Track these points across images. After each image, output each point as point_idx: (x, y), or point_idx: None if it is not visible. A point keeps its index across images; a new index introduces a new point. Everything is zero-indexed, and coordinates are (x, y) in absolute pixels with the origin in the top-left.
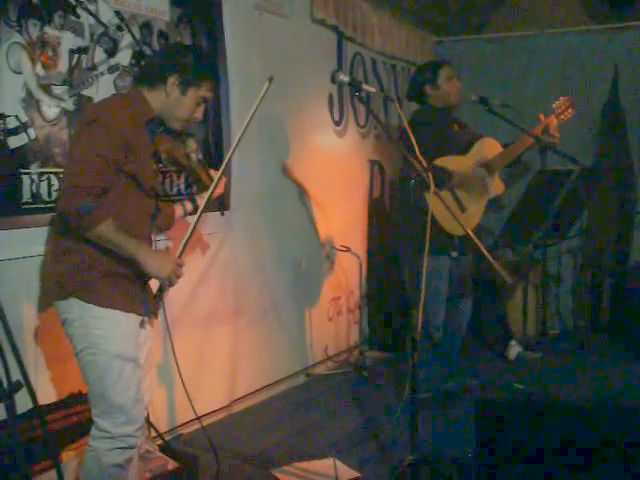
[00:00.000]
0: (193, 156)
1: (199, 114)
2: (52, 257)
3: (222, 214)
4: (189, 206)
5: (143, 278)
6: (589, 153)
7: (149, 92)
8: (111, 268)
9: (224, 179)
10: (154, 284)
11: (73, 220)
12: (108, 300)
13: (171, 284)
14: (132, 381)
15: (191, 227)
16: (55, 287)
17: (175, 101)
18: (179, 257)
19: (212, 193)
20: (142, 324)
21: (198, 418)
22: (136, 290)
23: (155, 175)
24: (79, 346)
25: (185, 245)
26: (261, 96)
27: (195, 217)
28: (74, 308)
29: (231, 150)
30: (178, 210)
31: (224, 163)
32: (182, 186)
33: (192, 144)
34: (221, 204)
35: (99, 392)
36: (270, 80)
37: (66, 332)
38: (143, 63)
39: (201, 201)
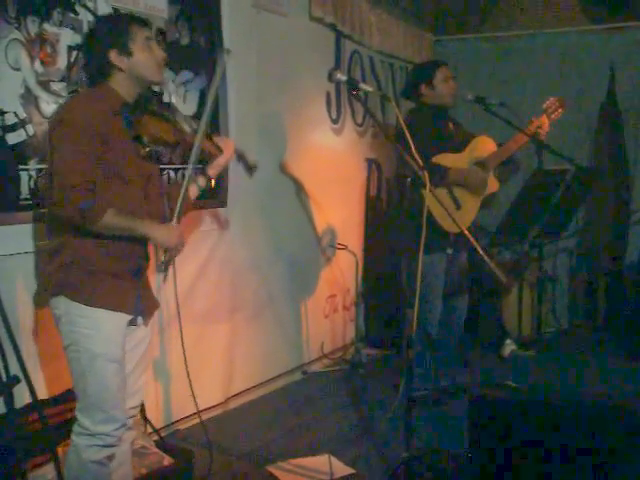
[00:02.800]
0: (186, 128)
1: (159, 52)
2: (44, 255)
3: (250, 175)
4: (202, 180)
5: (136, 275)
6: (585, 153)
7: (110, 81)
8: (100, 266)
9: (231, 143)
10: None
11: (77, 220)
12: (94, 299)
13: (177, 252)
14: (113, 381)
15: (182, 191)
16: (47, 284)
17: (133, 67)
18: (177, 223)
19: (198, 154)
20: (133, 322)
21: (199, 412)
22: (127, 288)
23: (141, 159)
24: (65, 342)
25: (180, 211)
26: (220, 71)
27: (185, 180)
28: (62, 305)
29: (205, 113)
30: (193, 190)
31: (200, 127)
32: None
33: (180, 119)
34: (249, 167)
35: (81, 388)
36: (227, 52)
37: (57, 327)
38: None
39: (211, 171)
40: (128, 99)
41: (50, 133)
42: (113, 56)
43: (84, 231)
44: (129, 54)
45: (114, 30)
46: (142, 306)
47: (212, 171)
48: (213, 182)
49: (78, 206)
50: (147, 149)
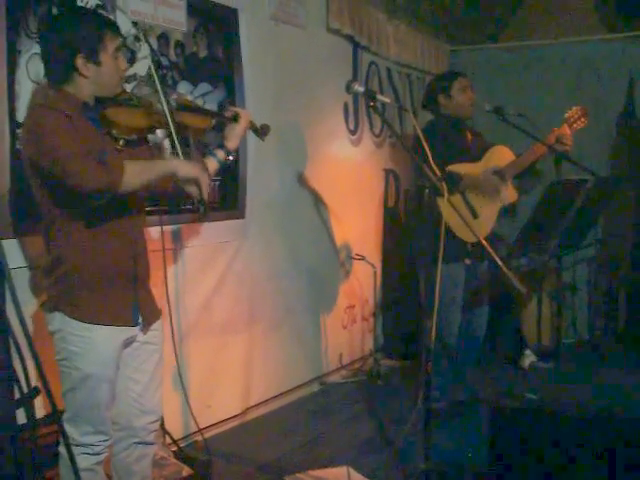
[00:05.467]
0: (159, 107)
1: (124, 65)
2: (42, 271)
3: (263, 139)
4: (221, 154)
5: (134, 281)
6: (604, 163)
7: (69, 85)
8: (98, 276)
9: (246, 112)
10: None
11: (104, 181)
12: (90, 314)
13: (206, 183)
14: (103, 399)
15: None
16: (45, 300)
17: (97, 77)
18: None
19: (177, 130)
20: (130, 339)
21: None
22: (124, 298)
23: (118, 152)
24: (57, 356)
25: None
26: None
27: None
28: (56, 322)
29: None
30: (212, 164)
31: (162, 102)
32: None
33: (155, 100)
34: (259, 130)
35: (69, 401)
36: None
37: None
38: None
39: (229, 144)
40: (86, 100)
41: (27, 150)
42: (80, 62)
43: (78, 238)
44: (97, 64)
45: (87, 35)
46: (140, 317)
47: (230, 143)
48: (232, 157)
49: (97, 161)
50: (120, 142)
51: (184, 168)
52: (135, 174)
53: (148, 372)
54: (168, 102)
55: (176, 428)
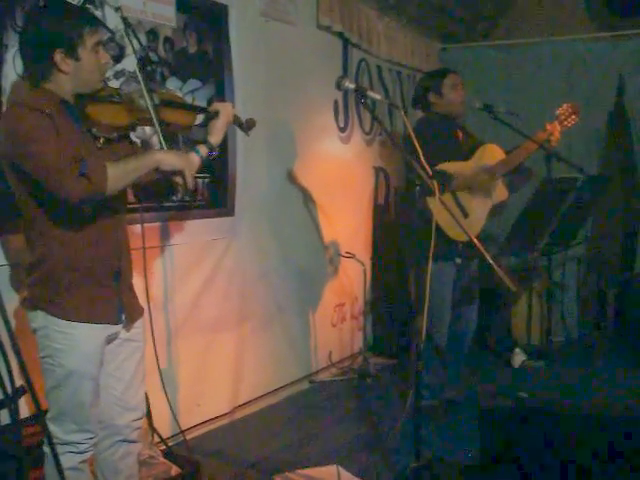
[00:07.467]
0: (142, 103)
1: (105, 59)
2: (24, 269)
3: (248, 133)
4: (203, 149)
5: (116, 279)
6: (594, 161)
7: (49, 82)
8: (81, 275)
9: (228, 106)
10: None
11: (89, 191)
12: (73, 312)
13: (192, 173)
14: (87, 397)
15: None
16: (27, 298)
17: (77, 72)
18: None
19: (162, 128)
20: (113, 336)
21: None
22: (107, 296)
23: (98, 150)
24: (41, 353)
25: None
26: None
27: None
28: (39, 319)
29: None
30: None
31: (146, 98)
32: None
33: (136, 96)
34: (244, 125)
35: (53, 399)
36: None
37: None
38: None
39: (212, 139)
40: (66, 97)
41: (7, 150)
42: (58, 58)
43: (61, 236)
44: (76, 59)
45: (64, 30)
46: (123, 314)
47: (213, 138)
48: (215, 152)
49: (80, 174)
50: (101, 140)
51: (167, 160)
52: (119, 177)
53: (130, 369)
54: (151, 98)
55: (165, 427)
